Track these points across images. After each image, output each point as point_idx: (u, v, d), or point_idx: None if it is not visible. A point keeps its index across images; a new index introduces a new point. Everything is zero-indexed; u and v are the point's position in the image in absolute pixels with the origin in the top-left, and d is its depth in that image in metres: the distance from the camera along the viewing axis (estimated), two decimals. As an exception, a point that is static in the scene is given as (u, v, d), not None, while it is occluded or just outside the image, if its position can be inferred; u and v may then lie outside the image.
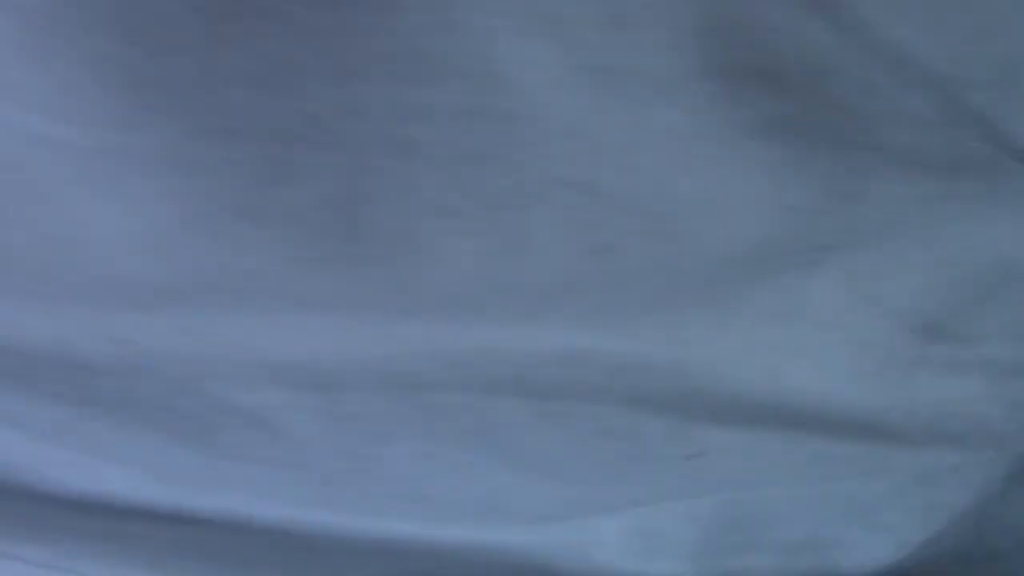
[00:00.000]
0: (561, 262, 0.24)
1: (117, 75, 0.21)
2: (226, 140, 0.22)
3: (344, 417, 0.27)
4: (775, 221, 0.23)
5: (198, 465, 0.28)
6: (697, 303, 0.25)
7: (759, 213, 0.23)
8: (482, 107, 0.21)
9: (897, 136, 0.22)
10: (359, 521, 0.29)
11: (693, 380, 0.26)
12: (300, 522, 0.29)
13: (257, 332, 0.26)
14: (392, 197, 0.23)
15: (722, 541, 0.30)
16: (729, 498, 0.29)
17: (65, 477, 0.29)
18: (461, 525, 0.29)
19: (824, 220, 0.23)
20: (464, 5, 0.20)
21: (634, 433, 0.27)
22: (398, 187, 0.23)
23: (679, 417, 0.26)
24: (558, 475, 0.27)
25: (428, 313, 0.25)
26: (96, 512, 0.29)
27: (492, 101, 0.21)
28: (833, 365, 0.26)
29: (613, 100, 0.21)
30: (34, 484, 0.29)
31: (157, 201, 0.23)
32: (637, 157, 0.22)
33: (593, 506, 0.29)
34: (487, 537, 0.29)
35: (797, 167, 0.22)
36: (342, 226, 0.23)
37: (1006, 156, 0.22)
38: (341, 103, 0.22)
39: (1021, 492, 0.29)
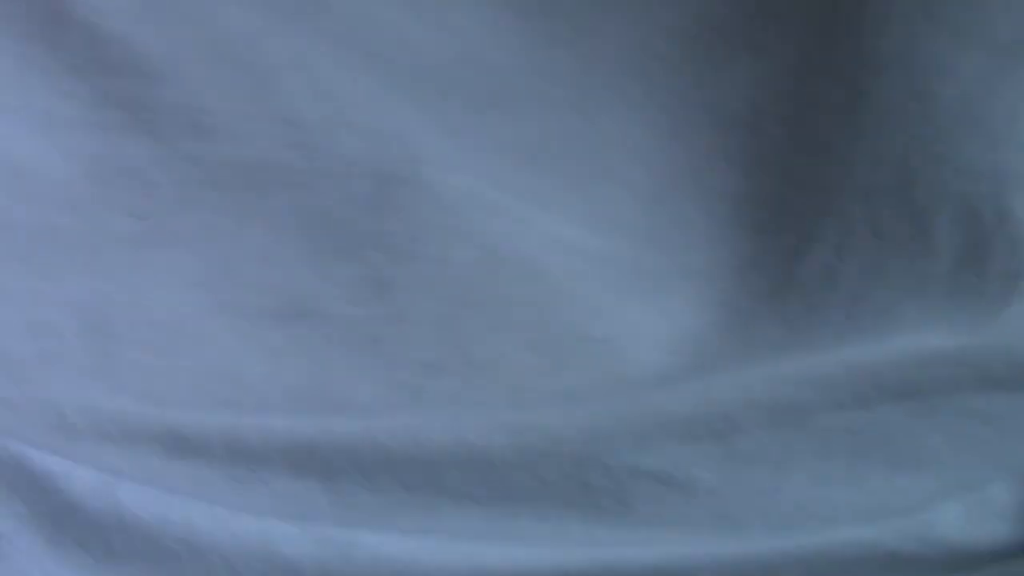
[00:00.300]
0: (956, 264, 0.25)
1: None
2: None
3: (743, 459, 0.28)
4: None
5: (612, 535, 0.29)
6: None
7: None
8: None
9: None
10: (754, 544, 0.30)
11: None
12: (695, 556, 0.30)
13: (656, 393, 0.27)
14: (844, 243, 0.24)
15: None
16: None
17: (445, 566, 0.30)
18: (845, 528, 0.31)
19: None
20: (945, 52, 0.22)
21: (990, 412, 0.28)
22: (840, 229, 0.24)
23: None
24: (928, 465, 0.29)
25: (819, 344, 0.26)
26: None
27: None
28: None
29: None
30: None
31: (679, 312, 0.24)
32: None
33: (953, 488, 0.30)
34: (861, 535, 0.31)
35: None
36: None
37: None
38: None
39: None
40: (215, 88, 0.22)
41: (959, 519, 0.32)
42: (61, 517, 0.31)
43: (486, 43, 0.22)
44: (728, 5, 0.22)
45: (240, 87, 0.22)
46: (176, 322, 0.25)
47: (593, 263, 0.24)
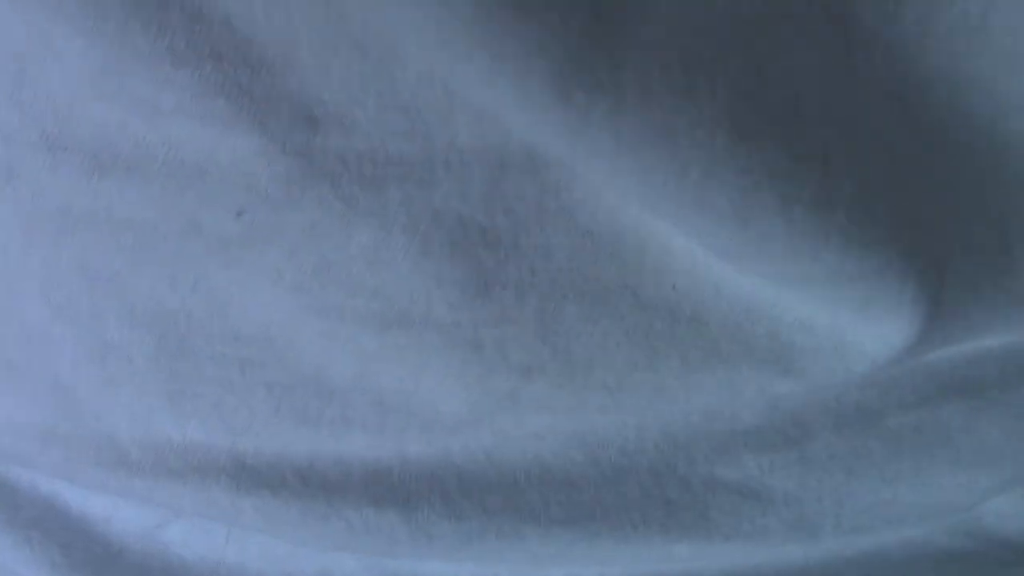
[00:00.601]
0: None
1: None
2: None
3: (816, 465, 0.28)
4: None
5: (691, 551, 0.28)
6: None
7: None
8: None
9: None
10: (821, 549, 0.30)
11: None
12: (762, 564, 0.30)
13: (727, 403, 0.27)
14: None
15: None
16: None
17: None
18: (909, 528, 0.31)
19: None
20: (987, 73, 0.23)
21: None
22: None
23: None
24: (988, 461, 0.29)
25: (905, 356, 0.26)
26: None
27: None
28: None
29: None
30: None
31: None
32: None
33: (1009, 482, 0.30)
34: (914, 534, 0.31)
35: None
36: None
37: None
38: None
39: None
40: (328, 75, 0.21)
41: (1006, 512, 0.32)
42: (102, 565, 0.28)
43: None
44: (747, 5, 0.22)
45: (355, 74, 0.21)
46: (263, 331, 0.24)
47: (687, 240, 0.24)
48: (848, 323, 0.25)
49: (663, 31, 0.21)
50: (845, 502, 0.29)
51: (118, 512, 0.28)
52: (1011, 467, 0.30)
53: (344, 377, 0.24)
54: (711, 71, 0.22)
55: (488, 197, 0.23)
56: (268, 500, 0.26)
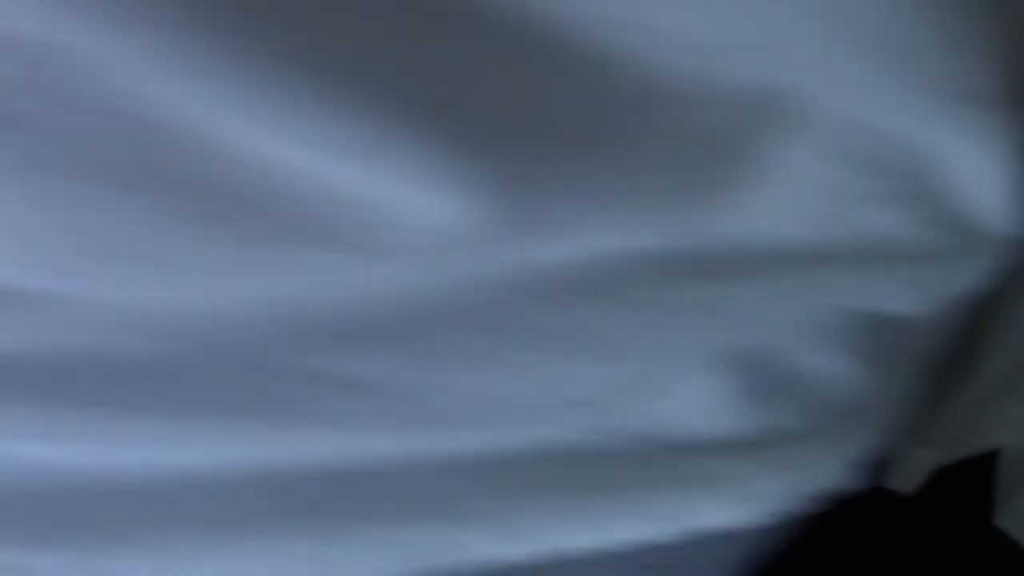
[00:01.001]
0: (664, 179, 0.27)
1: None
2: None
3: (441, 359, 0.28)
4: None
5: (307, 441, 0.29)
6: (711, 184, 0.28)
7: None
8: None
9: None
10: (465, 443, 0.31)
11: (707, 247, 0.29)
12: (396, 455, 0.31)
13: (298, 288, 0.27)
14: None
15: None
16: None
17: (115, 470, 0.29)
18: (551, 422, 0.31)
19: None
20: None
21: (676, 303, 0.30)
22: None
23: (702, 280, 0.30)
24: (618, 356, 0.30)
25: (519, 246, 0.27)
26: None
27: None
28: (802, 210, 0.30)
29: None
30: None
31: None
32: None
33: (651, 378, 0.31)
34: (568, 438, 0.32)
35: None
36: None
37: None
38: None
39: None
40: None
41: (667, 413, 0.33)
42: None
43: None
44: None
45: None
46: None
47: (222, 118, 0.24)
48: (395, 198, 0.26)
49: None
50: (453, 395, 0.29)
51: None
52: (638, 364, 0.31)
53: None
54: None
55: (25, 87, 0.23)
56: None
